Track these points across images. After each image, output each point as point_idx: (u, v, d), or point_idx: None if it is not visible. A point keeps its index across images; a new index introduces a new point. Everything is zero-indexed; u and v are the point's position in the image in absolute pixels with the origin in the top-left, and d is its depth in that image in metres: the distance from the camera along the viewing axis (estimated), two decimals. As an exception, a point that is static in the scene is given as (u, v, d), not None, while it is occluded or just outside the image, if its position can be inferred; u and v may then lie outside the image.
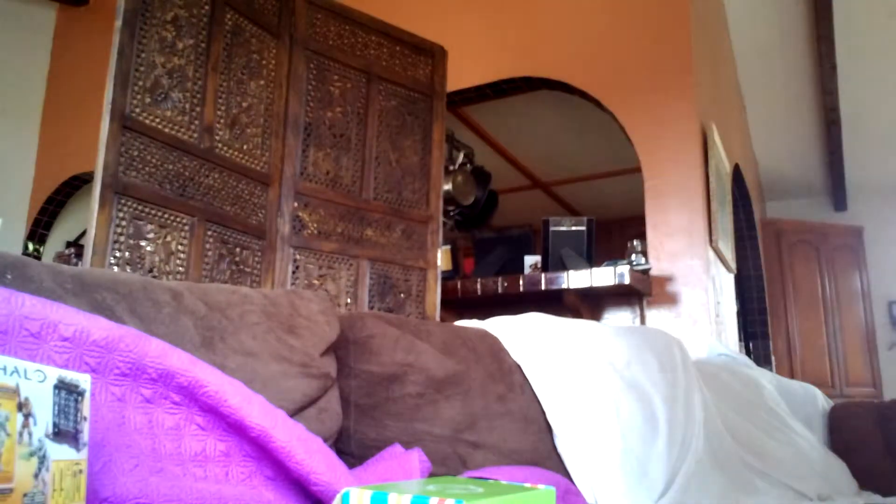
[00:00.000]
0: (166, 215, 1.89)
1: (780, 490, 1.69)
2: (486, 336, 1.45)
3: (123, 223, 1.78)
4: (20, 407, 0.49)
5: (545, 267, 3.25)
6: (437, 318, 2.57)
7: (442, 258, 2.68)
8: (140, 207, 1.82)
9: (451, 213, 3.91)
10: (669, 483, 1.45)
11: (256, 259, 2.16)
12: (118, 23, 1.81)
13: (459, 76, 3.27)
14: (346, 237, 2.39)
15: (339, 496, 0.65)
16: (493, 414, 1.32)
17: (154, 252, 1.85)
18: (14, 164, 4.53)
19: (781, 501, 1.63)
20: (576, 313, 2.98)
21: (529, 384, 1.43)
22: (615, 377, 1.50)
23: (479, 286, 3.04)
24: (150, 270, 1.84)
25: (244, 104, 2.15)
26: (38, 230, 4.55)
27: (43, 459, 0.50)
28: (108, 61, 1.79)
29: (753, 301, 4.90)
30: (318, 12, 2.42)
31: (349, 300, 2.37)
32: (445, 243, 3.58)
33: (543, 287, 2.89)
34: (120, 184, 1.77)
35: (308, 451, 0.82)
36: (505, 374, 1.40)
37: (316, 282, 2.30)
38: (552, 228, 3.27)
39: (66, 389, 0.54)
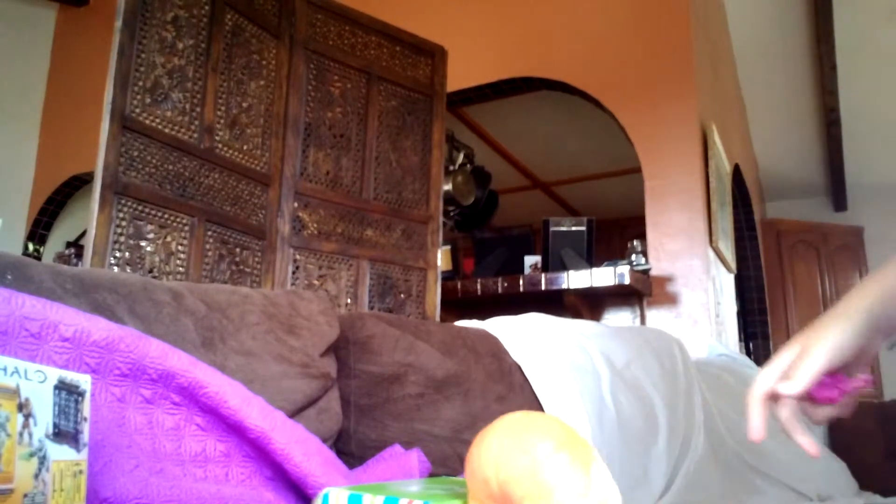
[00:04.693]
0: (166, 215, 1.89)
1: (780, 490, 1.69)
2: (486, 336, 1.45)
3: (123, 223, 1.78)
4: (20, 407, 0.49)
5: (545, 267, 3.25)
6: (437, 319, 2.57)
7: (442, 258, 2.68)
8: (140, 208, 1.82)
9: (451, 214, 3.91)
10: (669, 483, 1.45)
11: (256, 259, 2.16)
12: (118, 23, 1.81)
13: (459, 76, 3.27)
14: (346, 237, 2.39)
15: (320, 495, 0.66)
16: (493, 414, 1.32)
17: (154, 252, 1.85)
18: (14, 164, 4.53)
19: (781, 501, 1.63)
20: (576, 313, 2.98)
21: (529, 384, 1.43)
22: (615, 377, 1.50)
23: (479, 286, 3.04)
24: (150, 271, 1.84)
25: (244, 104, 2.15)
26: (38, 230, 4.55)
27: (43, 460, 0.50)
28: (108, 61, 1.79)
29: (753, 301, 4.90)
30: (318, 12, 2.42)
31: (349, 300, 2.37)
32: (445, 243, 3.58)
33: (543, 287, 2.89)
34: (120, 184, 1.77)
35: (306, 453, 0.82)
36: (505, 374, 1.40)
37: (316, 282, 2.30)
38: (552, 228, 3.27)
39: (66, 390, 0.54)
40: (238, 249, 2.10)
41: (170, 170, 1.91)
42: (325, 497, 0.65)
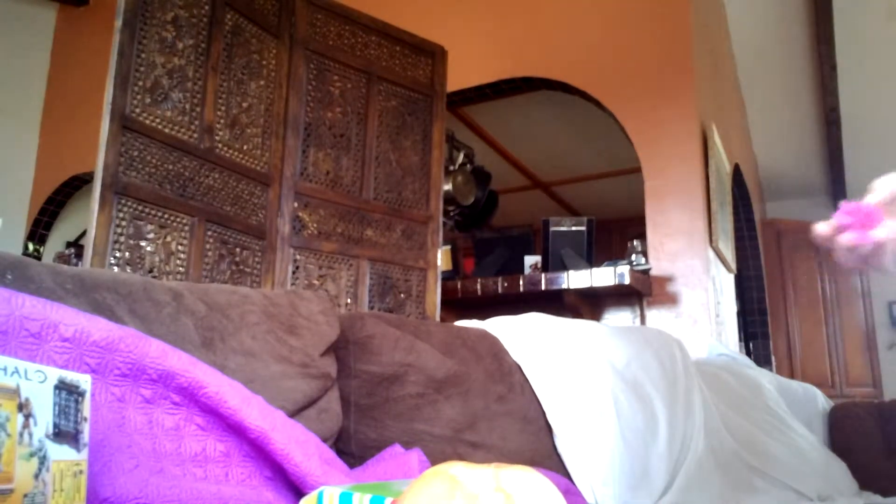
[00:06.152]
0: (166, 215, 1.89)
1: (779, 490, 1.69)
2: (486, 336, 1.45)
3: (123, 223, 1.78)
4: (20, 407, 0.49)
5: (545, 267, 3.25)
6: (437, 318, 2.57)
7: (442, 258, 2.68)
8: (140, 208, 1.82)
9: (451, 213, 3.91)
10: (669, 483, 1.45)
11: (256, 259, 2.16)
12: (118, 23, 1.81)
13: (459, 76, 3.27)
14: (346, 237, 2.39)
15: (314, 493, 0.66)
16: (493, 414, 1.32)
17: (154, 252, 1.85)
18: (14, 164, 4.53)
19: (781, 501, 1.63)
20: (576, 313, 2.98)
21: (529, 384, 1.43)
22: (615, 377, 1.50)
23: (479, 286, 3.04)
24: (150, 271, 1.84)
25: (244, 104, 2.15)
26: (38, 230, 4.55)
27: (43, 460, 0.50)
28: (108, 61, 1.79)
29: (753, 301, 4.90)
30: (318, 12, 2.42)
31: (349, 300, 2.37)
32: (445, 243, 3.58)
33: (543, 287, 2.89)
34: (120, 184, 1.77)
35: (306, 453, 0.82)
36: (505, 374, 1.40)
37: (316, 282, 2.30)
38: (552, 228, 3.27)
39: (66, 390, 0.54)
40: (238, 249, 2.10)
41: (170, 170, 1.91)
42: (320, 496, 0.65)
